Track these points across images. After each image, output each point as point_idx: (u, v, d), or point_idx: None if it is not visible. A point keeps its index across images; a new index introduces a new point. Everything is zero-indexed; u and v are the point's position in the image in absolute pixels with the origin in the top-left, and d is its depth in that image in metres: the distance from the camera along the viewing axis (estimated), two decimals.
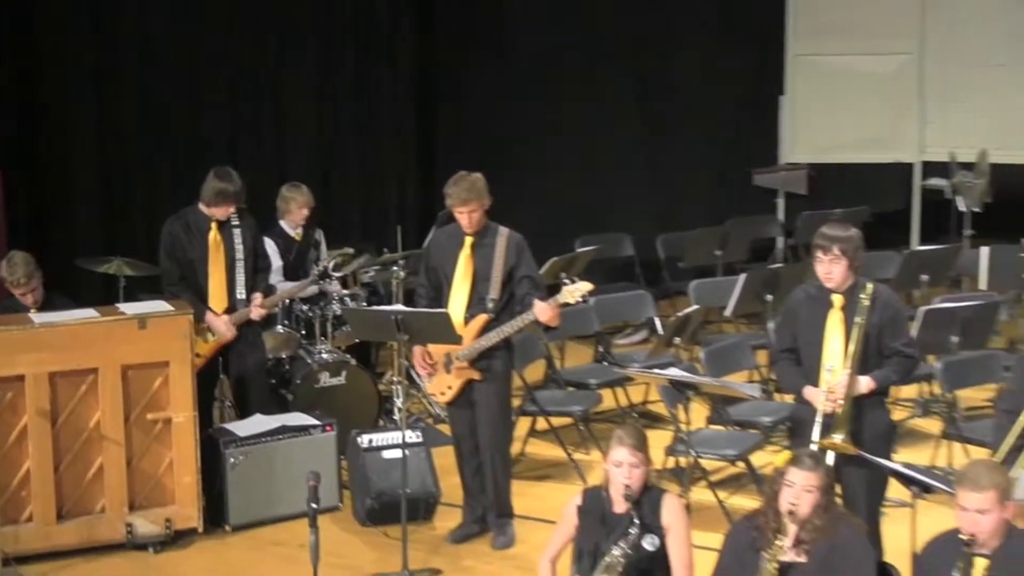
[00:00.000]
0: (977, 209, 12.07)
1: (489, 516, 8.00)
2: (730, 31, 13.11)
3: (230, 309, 8.41)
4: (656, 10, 12.98)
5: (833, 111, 13.31)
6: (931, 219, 12.95)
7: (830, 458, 6.30)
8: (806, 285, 6.88)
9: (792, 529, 5.58)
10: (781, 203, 13.44)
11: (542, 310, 7.52)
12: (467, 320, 7.70)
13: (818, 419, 6.52)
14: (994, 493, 5.35)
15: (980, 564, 5.34)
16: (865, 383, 6.53)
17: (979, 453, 7.55)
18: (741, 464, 8.42)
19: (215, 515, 8.10)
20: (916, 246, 12.45)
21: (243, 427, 8.29)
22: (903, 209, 13.20)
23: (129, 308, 8.07)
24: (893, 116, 13.27)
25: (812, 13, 13.35)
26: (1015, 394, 6.59)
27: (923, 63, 13.13)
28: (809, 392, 6.63)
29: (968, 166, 12.24)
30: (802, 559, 5.57)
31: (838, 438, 6.44)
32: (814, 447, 6.35)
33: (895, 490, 6.75)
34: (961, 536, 5.35)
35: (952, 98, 12.99)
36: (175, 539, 7.92)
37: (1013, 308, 10.38)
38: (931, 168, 13.05)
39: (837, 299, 6.58)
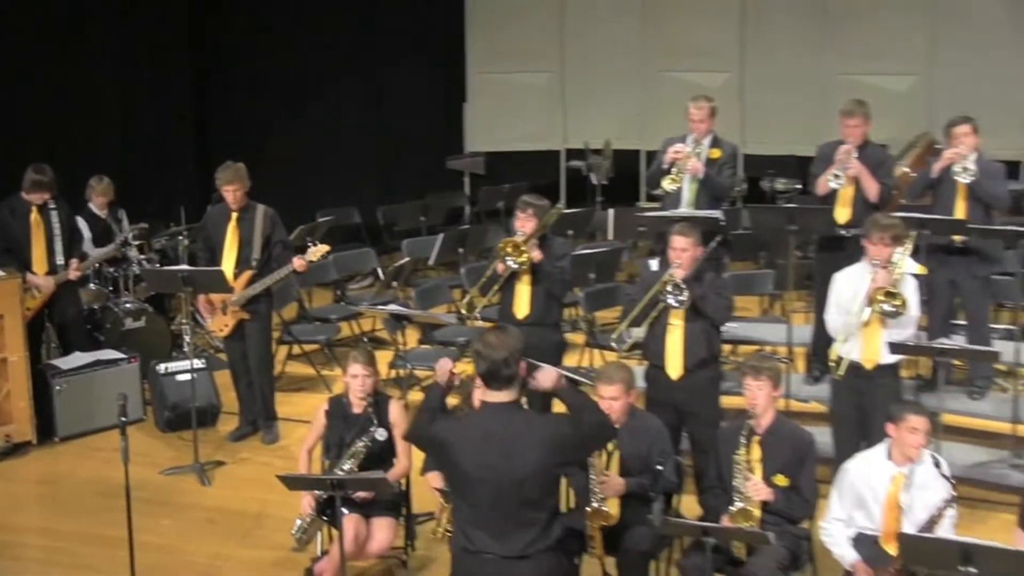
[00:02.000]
0: (605, 182, 12.37)
1: (259, 420, 7.92)
2: (436, 54, 13.14)
3: (51, 273, 8.08)
4: (374, 35, 12.84)
5: (502, 113, 13.42)
6: (573, 190, 13.19)
7: None
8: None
9: None
10: (467, 181, 13.50)
11: (299, 264, 7.51)
12: (236, 275, 7.62)
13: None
14: (621, 385, 5.57)
15: None
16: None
17: (611, 357, 7.81)
18: None
19: (46, 430, 7.85)
20: (563, 210, 12.67)
21: (66, 362, 8.04)
22: (553, 183, 13.42)
23: None
24: (544, 116, 13.46)
25: (484, 41, 13.42)
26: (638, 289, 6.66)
27: (564, 77, 13.37)
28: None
29: (597, 151, 12.52)
30: None
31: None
32: None
33: None
34: None
35: (585, 102, 13.25)
36: (14, 450, 7.67)
37: (631, 252, 10.72)
38: (572, 153, 13.30)
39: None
